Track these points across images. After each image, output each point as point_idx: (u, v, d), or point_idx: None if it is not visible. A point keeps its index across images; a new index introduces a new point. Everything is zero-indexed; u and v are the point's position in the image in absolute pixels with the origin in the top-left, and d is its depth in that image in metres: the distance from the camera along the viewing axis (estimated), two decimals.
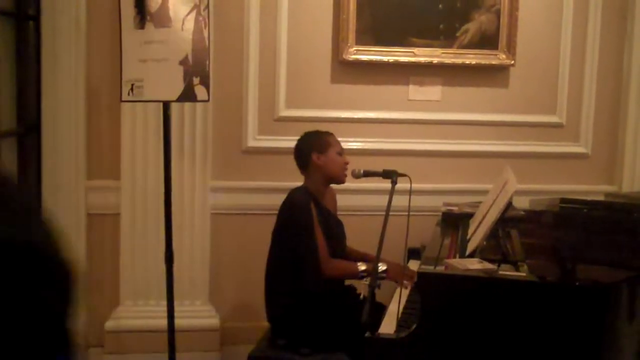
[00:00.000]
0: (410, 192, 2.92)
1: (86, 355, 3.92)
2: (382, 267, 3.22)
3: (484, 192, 3.56)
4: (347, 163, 3.37)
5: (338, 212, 3.54)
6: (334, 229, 3.40)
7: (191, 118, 3.79)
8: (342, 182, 3.39)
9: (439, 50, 4.01)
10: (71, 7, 3.72)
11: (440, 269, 2.72)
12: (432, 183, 4.08)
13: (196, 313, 3.89)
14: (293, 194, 3.32)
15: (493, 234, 3.03)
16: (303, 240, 3.20)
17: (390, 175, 3.14)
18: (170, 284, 3.36)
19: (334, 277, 3.31)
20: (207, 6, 3.18)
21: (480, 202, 3.51)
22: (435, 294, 2.55)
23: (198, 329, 3.86)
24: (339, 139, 3.42)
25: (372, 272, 2.82)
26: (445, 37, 4.01)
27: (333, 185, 3.46)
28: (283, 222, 3.27)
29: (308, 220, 3.21)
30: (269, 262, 3.34)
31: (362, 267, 3.19)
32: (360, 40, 3.93)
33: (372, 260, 2.97)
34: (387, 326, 2.73)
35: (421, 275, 2.62)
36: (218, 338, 3.94)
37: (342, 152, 3.38)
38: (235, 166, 3.99)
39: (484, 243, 2.91)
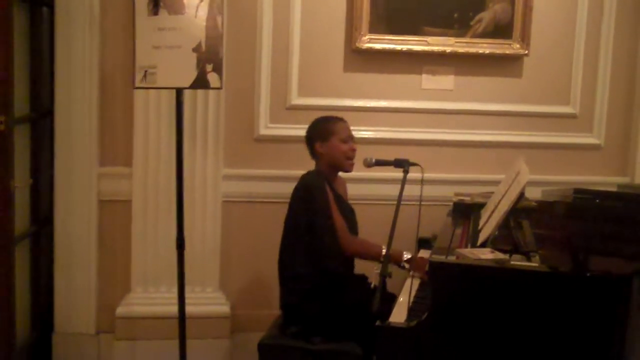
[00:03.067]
0: (422, 181, 2.92)
1: (97, 340, 3.95)
2: (407, 255, 3.22)
3: (496, 182, 3.55)
4: (353, 150, 3.34)
5: (349, 201, 3.54)
6: (348, 215, 3.39)
7: (204, 105, 3.78)
8: (347, 170, 3.37)
9: (452, 40, 3.99)
10: None
11: (451, 258, 2.72)
12: (444, 173, 4.08)
13: (207, 300, 3.90)
14: (306, 176, 3.32)
15: (505, 224, 3.02)
16: (321, 218, 3.20)
17: (402, 164, 3.14)
18: (182, 271, 3.38)
19: (357, 254, 3.31)
20: None
21: (492, 192, 3.50)
22: (447, 283, 2.55)
23: (208, 316, 3.87)
24: (352, 127, 3.41)
25: (385, 260, 2.80)
26: (459, 26, 3.99)
27: (343, 174, 3.46)
28: (299, 204, 3.26)
29: (324, 198, 3.22)
30: (283, 248, 3.34)
31: (385, 250, 3.06)
32: (373, 29, 3.92)
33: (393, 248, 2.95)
34: (398, 315, 2.73)
35: (432, 264, 2.61)
36: (228, 325, 3.95)
37: (348, 139, 3.35)
38: (247, 154, 3.99)
39: (496, 233, 2.91)
